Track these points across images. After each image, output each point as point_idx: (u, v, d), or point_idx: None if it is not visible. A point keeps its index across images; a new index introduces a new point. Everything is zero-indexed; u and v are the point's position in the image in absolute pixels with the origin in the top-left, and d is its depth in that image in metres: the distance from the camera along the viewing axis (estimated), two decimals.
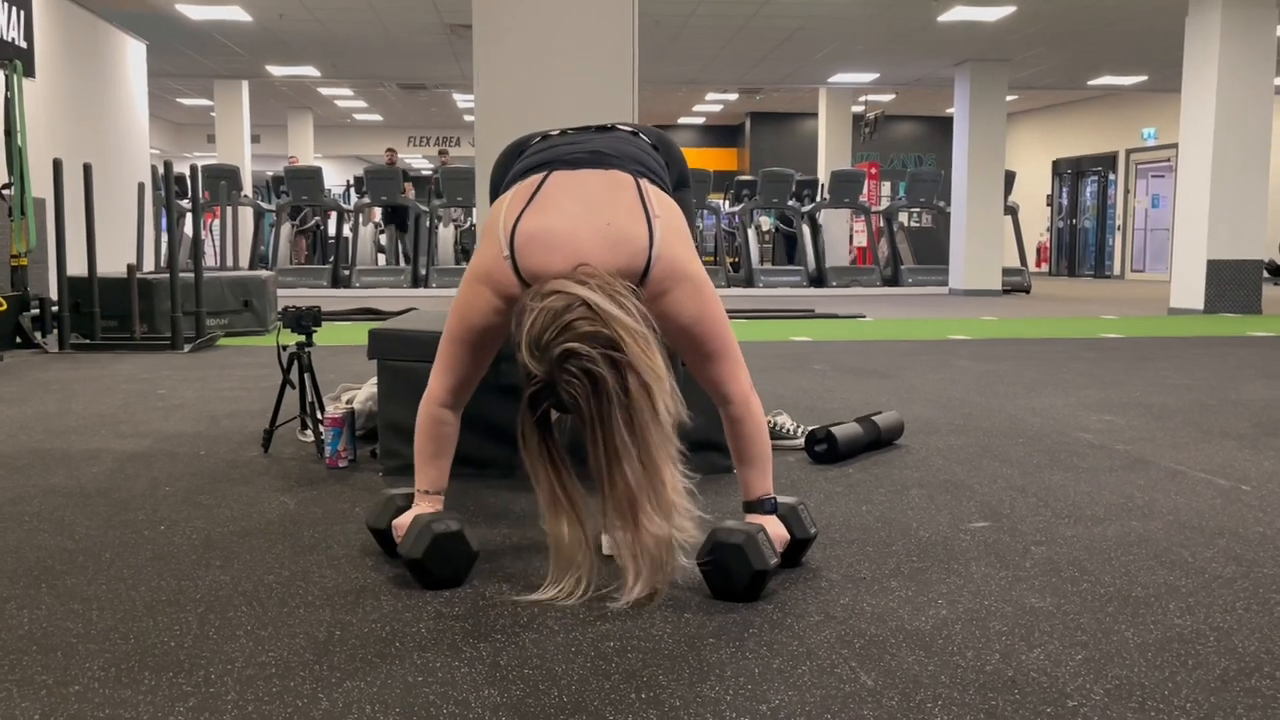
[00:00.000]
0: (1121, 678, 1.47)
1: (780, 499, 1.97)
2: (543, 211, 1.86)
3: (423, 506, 1.94)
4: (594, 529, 1.78)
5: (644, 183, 1.92)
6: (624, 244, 1.82)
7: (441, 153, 17.42)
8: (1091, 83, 14.81)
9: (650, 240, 1.83)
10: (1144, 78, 14.14)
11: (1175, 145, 9.96)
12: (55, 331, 5.93)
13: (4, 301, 5.77)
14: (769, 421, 3.11)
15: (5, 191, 6.26)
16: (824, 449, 2.92)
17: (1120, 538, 2.18)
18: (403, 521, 1.92)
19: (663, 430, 1.67)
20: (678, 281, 1.85)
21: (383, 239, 14.22)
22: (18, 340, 5.82)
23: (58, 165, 5.81)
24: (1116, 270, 18.27)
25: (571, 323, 1.64)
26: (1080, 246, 19.34)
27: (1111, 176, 18.47)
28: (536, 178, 1.92)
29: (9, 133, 6.27)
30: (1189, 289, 9.35)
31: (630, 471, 1.66)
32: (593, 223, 1.83)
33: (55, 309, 5.97)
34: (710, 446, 2.77)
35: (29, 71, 7.53)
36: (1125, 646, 1.59)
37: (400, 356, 2.75)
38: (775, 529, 1.90)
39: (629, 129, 2.14)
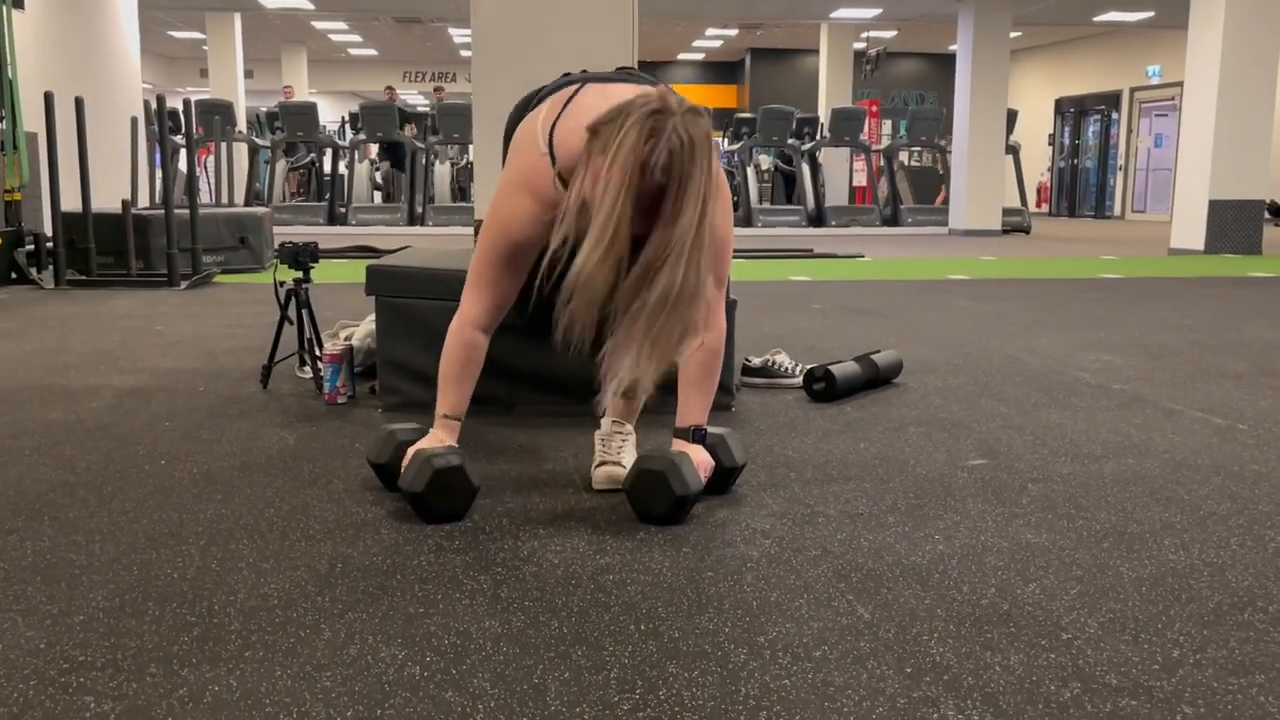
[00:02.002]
0: (1115, 611, 1.49)
1: (709, 429, 2.02)
2: (582, 113, 1.78)
3: (438, 433, 1.93)
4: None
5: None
6: None
7: (437, 89, 17.18)
8: (1097, 19, 14.58)
9: None
10: (1150, 14, 13.92)
11: (1180, 83, 9.84)
12: (51, 268, 5.89)
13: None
14: (767, 360, 3.12)
15: None
16: (822, 387, 2.93)
17: (1116, 475, 2.19)
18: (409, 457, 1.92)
19: (707, 250, 1.65)
20: (716, 194, 1.81)
21: (379, 176, 14.08)
22: (13, 276, 5.79)
23: (49, 99, 5.72)
24: (1117, 211, 18.16)
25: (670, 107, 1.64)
26: (1081, 187, 19.20)
27: (1115, 115, 18.26)
28: (570, 89, 1.90)
29: None
30: (1190, 229, 9.31)
31: (670, 281, 1.60)
32: None
33: (50, 245, 5.93)
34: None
35: (18, 3, 7.38)
36: (1120, 581, 1.60)
37: (398, 293, 2.74)
38: (700, 456, 1.95)
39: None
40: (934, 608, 1.50)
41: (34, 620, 1.44)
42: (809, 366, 3.02)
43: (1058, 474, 2.20)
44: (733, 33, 18.04)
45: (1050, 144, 19.75)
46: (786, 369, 3.11)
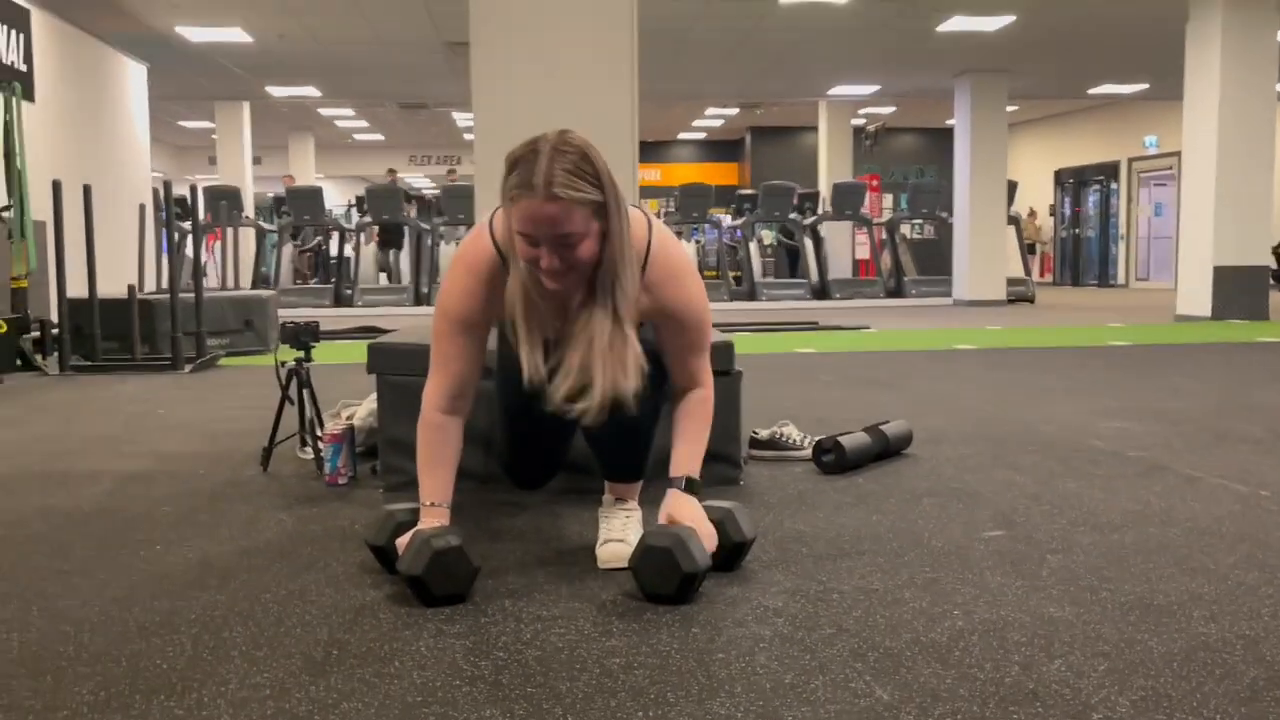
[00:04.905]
0: (1147, 688, 1.42)
1: (716, 503, 1.98)
2: None
3: (428, 520, 1.89)
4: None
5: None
6: None
7: (450, 172, 17.41)
8: (1092, 91, 14.78)
9: (649, 229, 1.89)
10: (1145, 86, 14.11)
11: (1177, 153, 9.94)
12: (56, 354, 5.89)
13: (4, 324, 5.74)
14: (775, 432, 3.07)
15: (5, 214, 6.24)
16: (831, 459, 2.87)
17: (1139, 545, 2.13)
18: (406, 540, 1.88)
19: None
20: (682, 274, 1.93)
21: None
22: (18, 363, 5.78)
23: (57, 187, 5.78)
24: (1120, 279, 18.20)
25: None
26: (1084, 256, 19.28)
27: (1114, 185, 18.41)
28: None
29: (8, 155, 6.26)
30: (1195, 296, 9.29)
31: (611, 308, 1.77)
32: None
33: (55, 331, 5.94)
34: (718, 458, 2.73)
35: (28, 95, 7.52)
36: (1150, 656, 1.53)
37: (400, 371, 2.71)
38: (690, 509, 1.90)
39: None
40: (956, 688, 1.43)
41: (16, 716, 1.38)
42: (818, 438, 2.97)
43: (1078, 544, 2.14)
44: (733, 112, 18.30)
45: (1051, 214, 19.88)
46: (795, 441, 3.06)
